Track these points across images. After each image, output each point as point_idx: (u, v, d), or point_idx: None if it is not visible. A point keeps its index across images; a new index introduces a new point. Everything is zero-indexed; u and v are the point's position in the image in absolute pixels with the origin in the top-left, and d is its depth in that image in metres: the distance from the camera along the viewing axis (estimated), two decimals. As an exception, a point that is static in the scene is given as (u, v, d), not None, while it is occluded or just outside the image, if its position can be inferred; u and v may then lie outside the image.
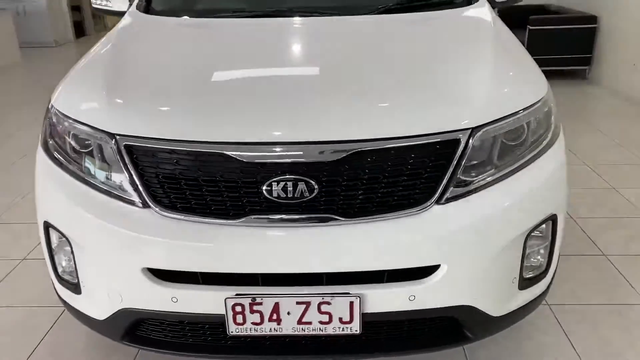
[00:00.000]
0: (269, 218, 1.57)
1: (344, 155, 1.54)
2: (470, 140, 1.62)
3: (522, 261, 1.74)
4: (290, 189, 1.54)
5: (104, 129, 1.66)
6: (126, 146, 1.62)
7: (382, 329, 1.69)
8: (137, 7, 2.59)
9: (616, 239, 2.98)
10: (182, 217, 1.59)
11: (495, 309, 1.73)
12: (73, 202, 1.69)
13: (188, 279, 1.62)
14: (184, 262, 1.59)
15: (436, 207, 1.60)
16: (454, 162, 1.60)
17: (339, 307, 1.59)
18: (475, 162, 1.64)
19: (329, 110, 1.63)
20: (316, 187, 1.54)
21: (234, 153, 1.55)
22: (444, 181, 1.59)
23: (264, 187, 1.55)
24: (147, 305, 1.66)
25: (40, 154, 1.84)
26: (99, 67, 1.99)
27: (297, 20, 2.36)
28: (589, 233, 3.04)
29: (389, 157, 1.57)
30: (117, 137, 1.63)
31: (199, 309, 1.63)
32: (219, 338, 1.70)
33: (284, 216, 1.56)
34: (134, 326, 1.74)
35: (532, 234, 1.75)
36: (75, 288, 1.79)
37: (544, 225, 1.78)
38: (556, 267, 1.94)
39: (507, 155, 1.70)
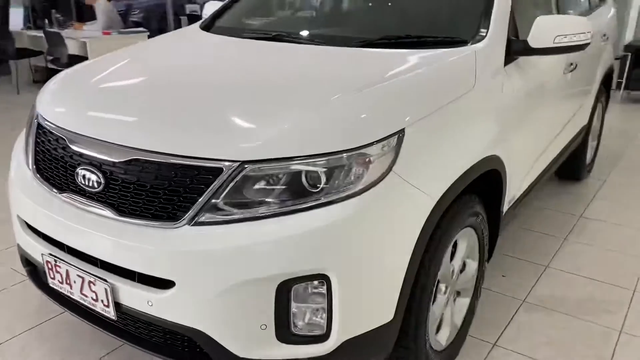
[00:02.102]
0: (73, 198, 1.87)
1: (124, 159, 1.74)
2: (240, 173, 1.63)
3: (279, 312, 1.64)
4: (87, 177, 1.82)
5: (37, 107, 2.19)
6: (37, 122, 2.11)
7: (142, 324, 1.82)
8: (200, 24, 3.05)
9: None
10: (41, 182, 2.01)
11: (238, 349, 1.67)
12: (14, 162, 2.26)
13: (33, 230, 2.04)
14: (26, 215, 2.02)
15: (187, 227, 1.66)
16: (213, 189, 1.64)
17: (100, 290, 1.79)
18: (244, 194, 1.64)
19: (132, 117, 1.84)
20: (103, 181, 1.78)
21: (68, 139, 1.90)
22: (199, 205, 1.64)
23: (75, 171, 1.86)
24: (21, 243, 2.14)
25: (24, 130, 2.44)
26: (86, 65, 2.53)
27: (289, 45, 2.46)
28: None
29: (157, 169, 1.69)
30: (38, 114, 2.14)
31: (35, 256, 2.03)
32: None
33: (79, 198, 1.85)
34: (27, 261, 2.22)
35: (301, 287, 1.64)
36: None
37: (317, 283, 1.64)
38: (361, 337, 1.72)
39: (287, 194, 1.63)
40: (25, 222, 2.08)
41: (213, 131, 1.71)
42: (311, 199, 1.62)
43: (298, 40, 2.54)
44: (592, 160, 4.49)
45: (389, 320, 1.78)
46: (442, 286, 2.11)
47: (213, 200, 1.64)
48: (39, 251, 1.98)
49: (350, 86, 1.89)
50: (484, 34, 2.28)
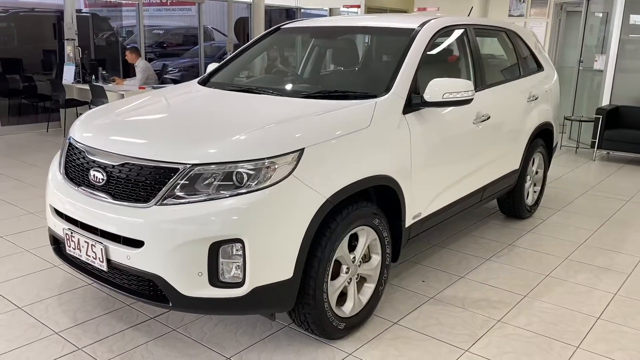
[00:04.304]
0: (86, 189, 2.78)
1: (119, 162, 2.66)
2: (191, 171, 2.51)
3: (210, 264, 2.47)
4: (95, 175, 2.73)
5: (69, 132, 3.15)
6: (68, 142, 3.07)
7: (125, 275, 2.67)
8: (198, 80, 4.04)
9: None
10: (67, 180, 2.94)
11: (183, 289, 2.49)
12: (50, 172, 3.21)
13: (58, 213, 2.95)
14: (56, 203, 2.94)
15: (155, 207, 2.53)
16: (173, 182, 2.52)
17: (98, 250, 2.67)
18: (194, 186, 2.51)
19: (126, 137, 2.77)
20: (105, 177, 2.70)
21: (86, 151, 2.84)
22: (163, 192, 2.52)
23: (89, 172, 2.78)
24: (50, 225, 3.06)
25: (58, 151, 3.39)
26: (104, 106, 3.51)
27: (260, 95, 3.40)
28: None
29: (139, 169, 2.59)
30: (70, 136, 3.10)
31: (59, 232, 2.94)
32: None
33: (89, 190, 2.76)
34: (55, 240, 3.12)
35: (227, 248, 2.47)
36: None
37: (238, 245, 2.47)
38: (275, 285, 2.54)
39: (221, 187, 2.49)
40: (54, 209, 2.99)
41: (175, 144, 2.63)
42: (236, 190, 2.48)
43: (261, 92, 3.48)
44: (536, 203, 5.22)
45: (289, 277, 2.58)
46: (344, 267, 2.90)
47: (173, 189, 2.52)
48: (61, 227, 2.89)
49: (275, 120, 2.79)
50: (388, 92, 3.17)
